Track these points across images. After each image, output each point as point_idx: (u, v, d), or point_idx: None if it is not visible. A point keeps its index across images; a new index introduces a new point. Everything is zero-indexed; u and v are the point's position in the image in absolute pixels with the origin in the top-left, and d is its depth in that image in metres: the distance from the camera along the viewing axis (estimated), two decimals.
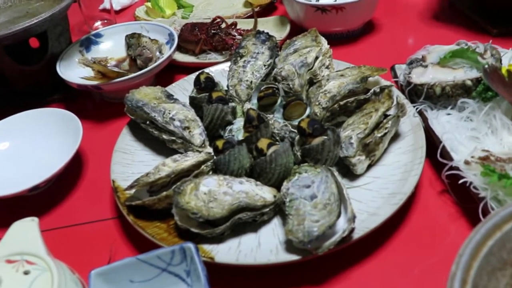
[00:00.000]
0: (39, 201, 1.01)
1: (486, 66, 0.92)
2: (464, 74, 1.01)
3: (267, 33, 1.17)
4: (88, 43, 1.36)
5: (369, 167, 0.94)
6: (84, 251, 0.90)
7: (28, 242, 0.74)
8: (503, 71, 0.93)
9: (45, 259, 0.72)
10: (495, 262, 0.58)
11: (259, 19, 1.41)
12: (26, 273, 0.69)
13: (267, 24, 1.43)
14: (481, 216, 0.80)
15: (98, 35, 1.38)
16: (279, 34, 1.36)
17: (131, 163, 1.01)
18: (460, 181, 0.85)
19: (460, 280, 0.53)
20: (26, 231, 0.76)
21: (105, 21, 1.62)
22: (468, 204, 0.87)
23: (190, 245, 0.74)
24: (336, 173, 0.85)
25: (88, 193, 1.03)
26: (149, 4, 1.61)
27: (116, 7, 1.71)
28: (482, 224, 0.59)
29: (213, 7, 1.64)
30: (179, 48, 1.37)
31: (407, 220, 0.88)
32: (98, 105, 1.30)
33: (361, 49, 1.37)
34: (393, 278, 0.79)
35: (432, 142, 0.95)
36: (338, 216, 0.78)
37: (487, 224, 0.59)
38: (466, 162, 0.87)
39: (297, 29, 1.37)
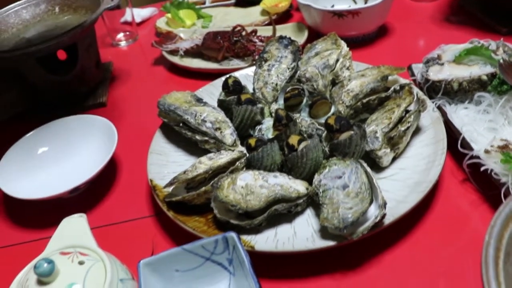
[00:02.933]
0: (79, 202, 1.06)
1: (502, 61, 0.97)
2: (479, 70, 1.06)
3: (289, 37, 1.23)
4: None
5: (394, 159, 0.99)
6: (126, 246, 0.94)
7: (79, 236, 0.79)
8: None
9: (96, 250, 0.76)
10: None
11: (277, 26, 1.48)
12: (81, 263, 0.73)
13: (286, 31, 1.48)
14: (503, 200, 0.85)
15: None
16: (298, 39, 1.41)
17: (166, 163, 1.06)
18: (482, 169, 0.90)
19: (494, 248, 0.58)
20: (76, 226, 0.81)
21: (127, 33, 1.69)
22: (489, 191, 0.91)
23: (232, 234, 0.77)
24: (365, 164, 0.90)
25: (125, 194, 1.08)
26: (169, 15, 1.67)
27: (137, 19, 1.77)
28: (510, 200, 0.63)
29: (231, 17, 1.70)
30: (202, 56, 1.43)
31: (432, 208, 0.93)
32: (127, 111, 1.36)
33: (377, 51, 1.43)
34: (423, 261, 0.84)
35: (451, 134, 1.00)
36: (371, 202, 0.83)
37: None
38: (486, 151, 0.91)
39: (314, 35, 1.43)
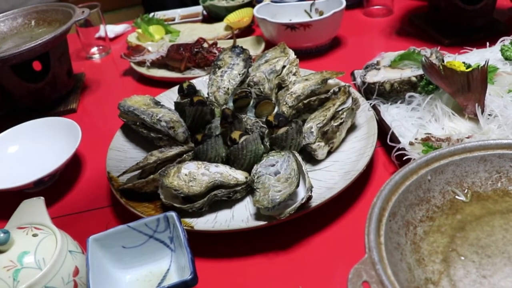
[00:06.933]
0: (45, 195, 1.13)
1: (424, 61, 1.07)
2: (410, 72, 1.17)
3: (241, 47, 1.33)
4: None
5: (329, 153, 1.08)
6: (83, 230, 1.02)
7: (36, 214, 0.88)
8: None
9: (50, 226, 0.84)
10: (413, 198, 0.72)
11: (238, 39, 1.58)
12: (34, 235, 0.81)
13: (245, 43, 1.59)
14: None
15: None
16: (256, 51, 1.52)
17: (124, 159, 1.15)
18: (405, 158, 0.99)
19: (379, 208, 0.67)
20: (34, 206, 0.90)
21: (101, 47, 1.80)
22: None
23: (172, 214, 0.85)
24: (297, 154, 1.00)
25: (87, 188, 1.17)
26: (140, 30, 1.79)
27: (110, 35, 1.88)
28: (401, 169, 0.73)
29: (197, 32, 1.80)
30: (167, 67, 1.54)
31: (363, 196, 1.02)
32: (95, 117, 1.46)
33: (329, 61, 1.54)
34: (348, 242, 0.92)
35: (385, 131, 1.09)
36: (297, 186, 0.92)
37: (405, 169, 0.73)
38: (411, 143, 1.01)
39: (271, 47, 1.54)
